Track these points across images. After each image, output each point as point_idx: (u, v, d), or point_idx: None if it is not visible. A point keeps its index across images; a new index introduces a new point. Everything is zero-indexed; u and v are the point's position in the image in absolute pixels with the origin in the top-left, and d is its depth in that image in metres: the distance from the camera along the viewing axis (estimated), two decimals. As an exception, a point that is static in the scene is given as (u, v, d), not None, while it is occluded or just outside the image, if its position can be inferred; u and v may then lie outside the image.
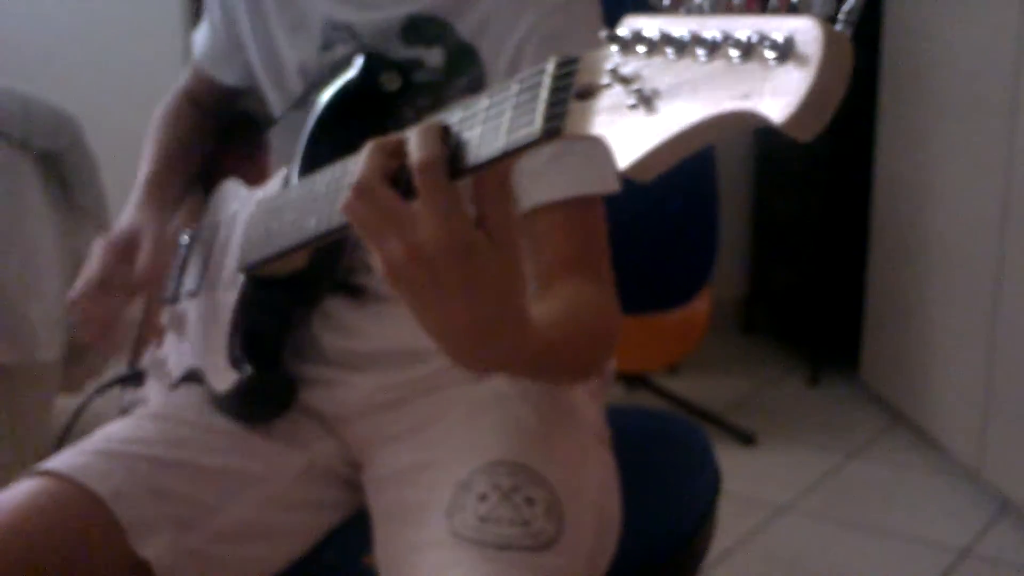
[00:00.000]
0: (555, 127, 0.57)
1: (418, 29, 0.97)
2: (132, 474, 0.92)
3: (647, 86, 0.52)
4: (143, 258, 1.04)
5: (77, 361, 2.25)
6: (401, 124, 0.70)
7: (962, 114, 2.30)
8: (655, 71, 0.52)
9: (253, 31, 1.08)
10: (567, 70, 0.58)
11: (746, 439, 2.56)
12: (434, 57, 0.97)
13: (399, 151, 0.66)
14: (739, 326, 3.33)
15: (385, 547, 0.91)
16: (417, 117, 0.69)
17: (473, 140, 0.63)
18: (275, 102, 1.09)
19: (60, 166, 2.11)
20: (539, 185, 0.93)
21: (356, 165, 0.67)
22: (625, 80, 0.53)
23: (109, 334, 1.06)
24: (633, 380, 2.74)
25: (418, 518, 0.87)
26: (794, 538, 2.15)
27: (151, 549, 0.89)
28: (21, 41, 3.04)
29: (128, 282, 1.04)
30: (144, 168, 1.15)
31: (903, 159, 2.58)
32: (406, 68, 0.93)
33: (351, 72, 0.91)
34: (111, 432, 0.98)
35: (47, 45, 3.05)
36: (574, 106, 0.56)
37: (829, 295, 2.91)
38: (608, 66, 0.54)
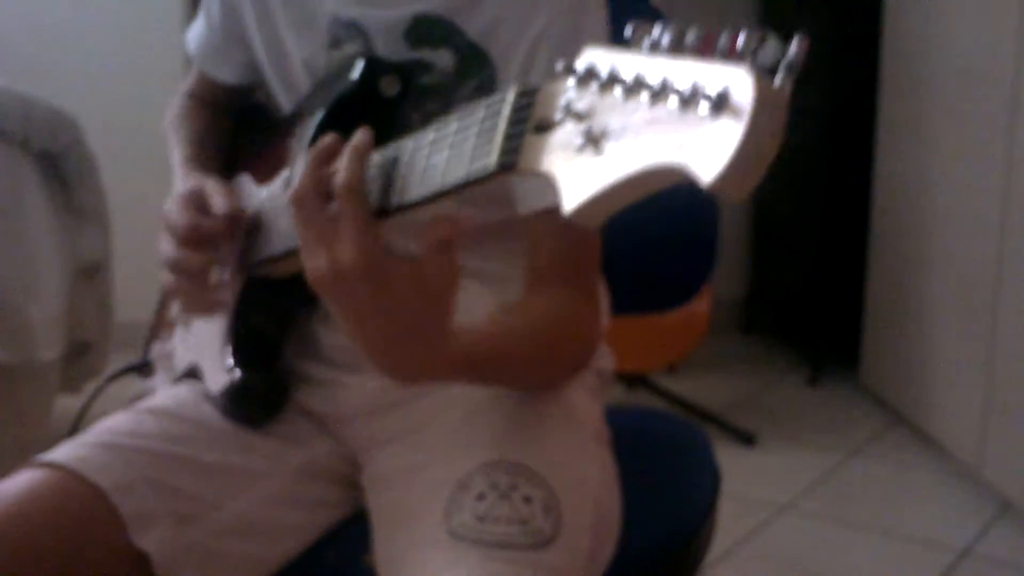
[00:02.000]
0: (509, 162, 0.58)
1: (424, 29, 0.97)
2: (132, 467, 0.92)
3: (596, 125, 0.51)
4: (219, 201, 0.97)
5: (77, 361, 2.25)
6: (405, 129, 0.71)
7: (962, 114, 2.30)
8: (605, 110, 0.51)
9: (259, 27, 1.07)
10: (525, 102, 0.58)
11: (746, 439, 2.56)
12: (443, 59, 0.97)
13: (337, 156, 0.70)
14: (739, 326, 3.33)
15: (384, 547, 0.91)
16: (424, 121, 0.70)
17: (438, 164, 0.64)
18: (282, 99, 1.09)
19: (60, 166, 2.12)
20: (540, 190, 0.93)
21: (298, 176, 0.70)
22: (578, 116, 0.52)
23: (205, 296, 0.99)
24: (633, 380, 2.75)
25: (416, 518, 0.88)
26: (794, 538, 2.15)
27: (151, 542, 0.89)
28: (21, 41, 3.04)
29: (212, 229, 0.96)
30: (177, 154, 1.13)
31: (903, 159, 2.58)
32: (407, 72, 0.93)
33: (351, 76, 0.91)
34: (111, 425, 0.98)
35: (47, 45, 3.05)
36: (530, 140, 0.56)
37: (829, 295, 2.91)
38: (562, 101, 0.54)
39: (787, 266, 3.07)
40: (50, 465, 0.91)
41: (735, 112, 0.44)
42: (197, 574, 0.92)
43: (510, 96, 0.59)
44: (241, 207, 0.98)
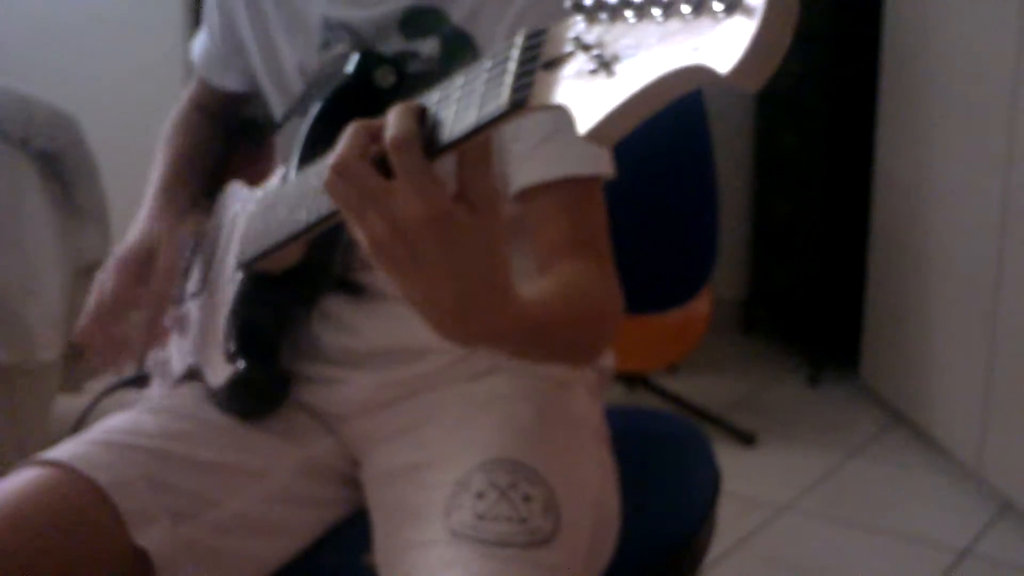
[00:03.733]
0: (521, 98, 0.58)
1: (417, 21, 0.98)
2: (131, 465, 0.92)
3: (607, 51, 0.52)
4: (161, 272, 1.05)
5: (77, 361, 2.25)
6: None
7: (962, 114, 2.30)
8: (616, 36, 0.52)
9: (254, 34, 1.08)
10: (534, 42, 0.59)
11: (746, 439, 2.56)
12: (428, 46, 0.97)
13: (380, 134, 0.66)
14: (739, 326, 3.33)
15: (384, 545, 0.91)
16: None
17: (448, 118, 0.64)
18: (276, 104, 1.09)
19: (60, 166, 2.11)
20: (533, 165, 0.93)
21: (338, 145, 0.67)
22: (587, 47, 0.54)
23: (122, 355, 1.07)
24: (633, 380, 2.74)
25: (417, 516, 0.88)
26: (794, 538, 2.15)
27: (150, 539, 0.89)
28: (21, 41, 3.04)
29: (143, 299, 1.05)
30: (155, 177, 1.15)
31: (903, 159, 2.58)
32: (400, 63, 0.94)
33: (346, 70, 0.92)
34: (111, 424, 0.98)
35: (47, 45, 3.05)
36: (540, 76, 0.57)
37: (829, 295, 2.91)
38: (571, 35, 0.55)
39: (787, 266, 3.07)
40: (49, 463, 0.91)
41: (748, 9, 0.46)
42: (196, 571, 0.92)
43: (518, 40, 0.59)
44: (179, 272, 1.08)
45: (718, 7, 0.47)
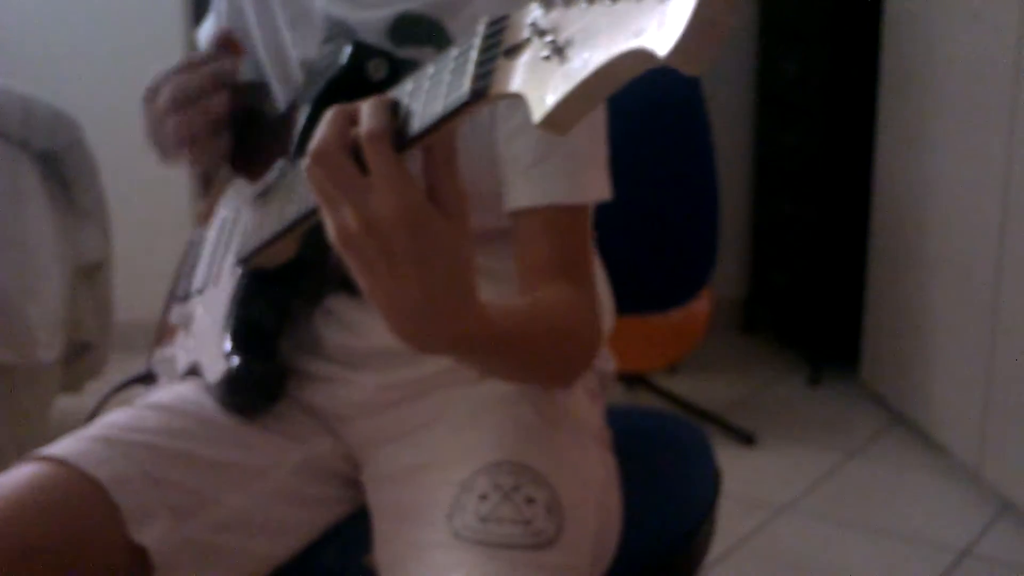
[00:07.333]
0: (482, 87, 0.58)
1: (408, 28, 0.97)
2: (131, 461, 0.92)
3: (561, 36, 0.53)
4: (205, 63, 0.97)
5: (77, 361, 2.25)
6: None
7: (962, 114, 2.30)
8: (570, 20, 0.53)
9: (260, 25, 1.08)
10: (495, 28, 0.59)
11: (746, 439, 2.56)
12: (426, 57, 0.97)
13: (359, 119, 0.67)
14: (739, 326, 3.33)
15: (385, 547, 0.91)
16: None
17: (417, 110, 0.65)
18: (280, 97, 1.09)
19: (60, 166, 2.12)
20: (522, 188, 0.93)
21: (318, 132, 0.67)
22: (542, 32, 0.54)
23: (206, 139, 0.98)
24: (633, 380, 2.75)
25: (419, 518, 0.88)
26: (794, 538, 2.15)
27: (148, 536, 0.89)
28: (21, 41, 3.05)
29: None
30: None
31: (903, 159, 2.58)
32: (393, 56, 0.94)
33: (339, 61, 0.92)
34: (112, 420, 0.98)
35: (47, 45, 3.05)
36: (501, 64, 0.57)
37: (829, 295, 2.91)
38: (529, 20, 0.55)
39: (787, 266, 3.07)
40: (49, 459, 0.91)
41: None
42: (195, 569, 0.92)
43: (480, 27, 0.60)
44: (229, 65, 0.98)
45: None
